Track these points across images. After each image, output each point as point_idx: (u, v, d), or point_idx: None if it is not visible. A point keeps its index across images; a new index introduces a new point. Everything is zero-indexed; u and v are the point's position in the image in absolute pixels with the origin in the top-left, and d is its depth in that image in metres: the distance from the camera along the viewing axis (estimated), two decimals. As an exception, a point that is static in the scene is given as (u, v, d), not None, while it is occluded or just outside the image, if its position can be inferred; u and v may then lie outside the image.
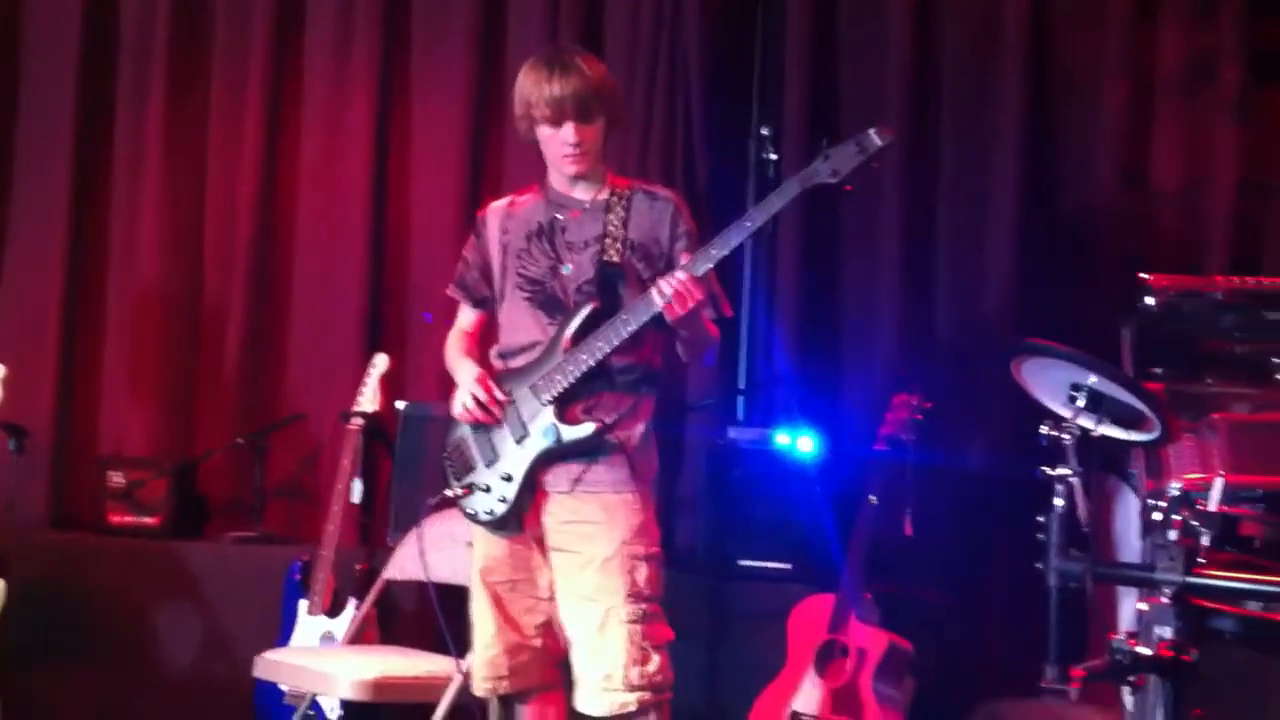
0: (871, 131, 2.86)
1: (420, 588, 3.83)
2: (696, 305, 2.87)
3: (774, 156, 4.15)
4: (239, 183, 4.68)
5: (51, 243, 4.70)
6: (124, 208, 4.75)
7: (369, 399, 4.02)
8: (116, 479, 4.44)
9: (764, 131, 4.22)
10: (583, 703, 2.97)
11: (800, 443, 3.95)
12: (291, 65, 4.70)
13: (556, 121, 2.97)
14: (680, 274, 2.87)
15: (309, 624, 3.90)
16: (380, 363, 4.06)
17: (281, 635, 3.93)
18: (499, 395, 3.01)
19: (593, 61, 3.02)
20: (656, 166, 4.32)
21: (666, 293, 2.84)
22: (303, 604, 3.92)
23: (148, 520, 4.42)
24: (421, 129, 4.64)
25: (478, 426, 3.04)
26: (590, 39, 4.34)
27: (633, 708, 2.93)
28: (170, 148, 4.71)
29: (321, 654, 3.72)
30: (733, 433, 4.09)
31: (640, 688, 2.92)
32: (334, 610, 3.88)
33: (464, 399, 3.03)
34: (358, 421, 4.01)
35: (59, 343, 4.69)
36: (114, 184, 4.76)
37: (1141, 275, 3.58)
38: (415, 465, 4.09)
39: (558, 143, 2.99)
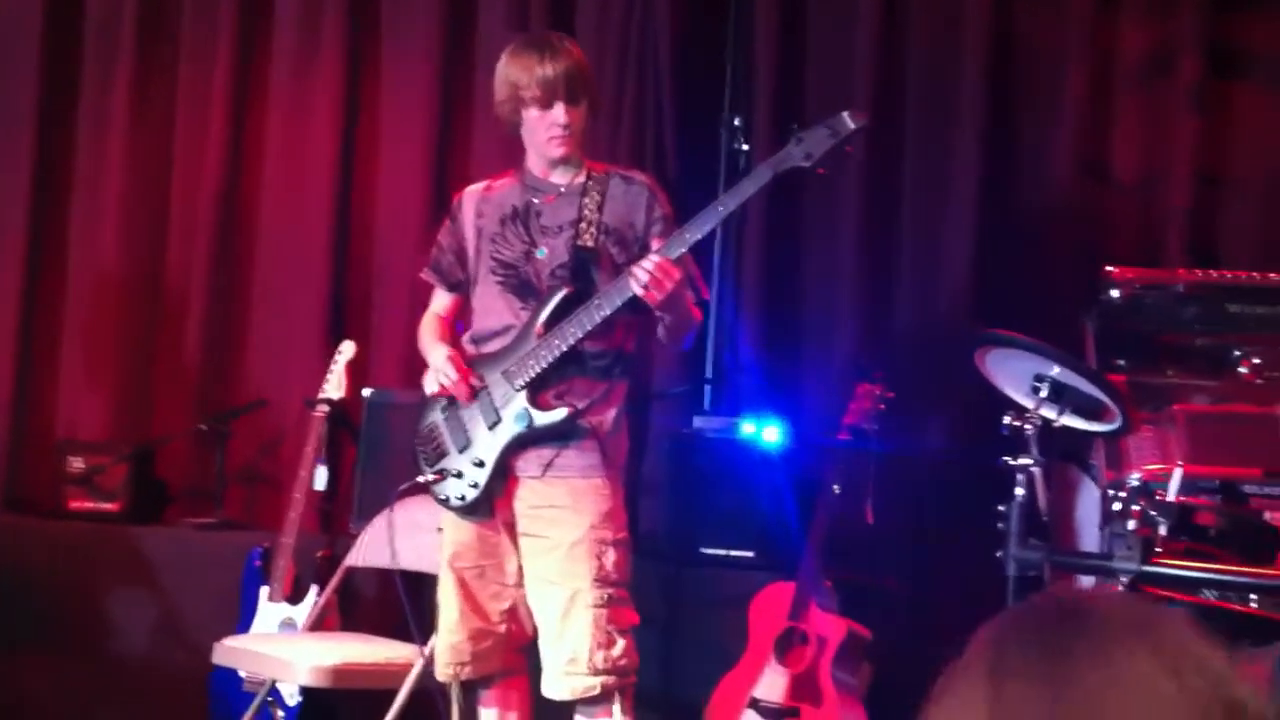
0: (844, 114, 2.86)
1: (382, 575, 3.81)
2: (676, 287, 2.87)
3: (745, 147, 4.16)
4: (204, 166, 4.63)
5: (11, 225, 4.64)
6: (86, 190, 4.69)
7: (334, 385, 3.98)
8: (75, 464, 4.38)
9: (735, 122, 4.23)
10: (548, 686, 2.98)
11: (765, 432, 3.97)
12: (259, 48, 4.66)
13: (547, 103, 2.95)
14: (655, 257, 2.86)
15: (269, 611, 3.87)
16: (346, 349, 4.03)
17: (241, 622, 3.90)
18: (472, 381, 3.00)
19: (575, 45, 3.03)
20: (626, 156, 4.30)
21: (642, 278, 2.83)
22: (263, 591, 3.89)
23: (107, 505, 4.37)
24: (389, 114, 4.61)
25: (450, 412, 3.03)
26: (560, 26, 4.31)
27: (596, 691, 2.93)
28: (135, 130, 4.65)
29: (281, 641, 3.70)
30: (698, 421, 4.10)
31: (605, 671, 2.92)
32: (295, 597, 3.85)
33: (436, 378, 3.02)
34: (323, 408, 3.98)
35: (17, 326, 4.62)
36: (77, 167, 4.70)
37: (1106, 268, 3.62)
38: (380, 452, 4.07)
39: (546, 124, 2.97)
